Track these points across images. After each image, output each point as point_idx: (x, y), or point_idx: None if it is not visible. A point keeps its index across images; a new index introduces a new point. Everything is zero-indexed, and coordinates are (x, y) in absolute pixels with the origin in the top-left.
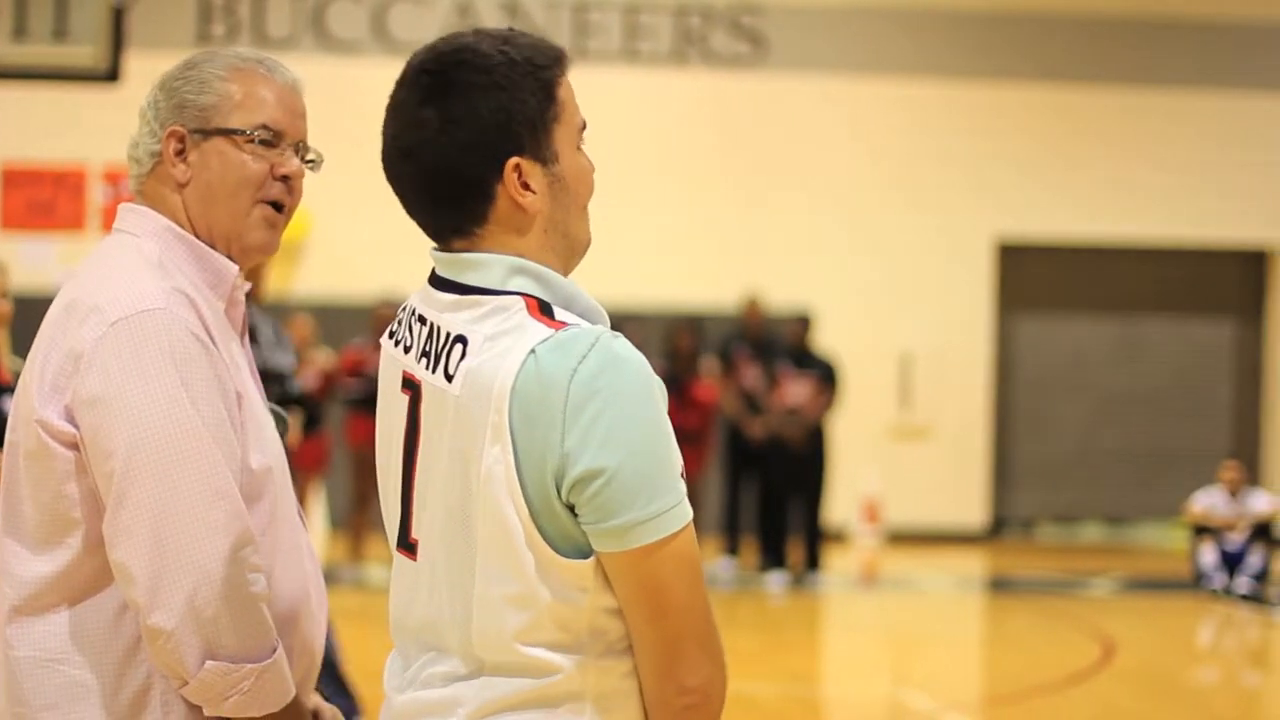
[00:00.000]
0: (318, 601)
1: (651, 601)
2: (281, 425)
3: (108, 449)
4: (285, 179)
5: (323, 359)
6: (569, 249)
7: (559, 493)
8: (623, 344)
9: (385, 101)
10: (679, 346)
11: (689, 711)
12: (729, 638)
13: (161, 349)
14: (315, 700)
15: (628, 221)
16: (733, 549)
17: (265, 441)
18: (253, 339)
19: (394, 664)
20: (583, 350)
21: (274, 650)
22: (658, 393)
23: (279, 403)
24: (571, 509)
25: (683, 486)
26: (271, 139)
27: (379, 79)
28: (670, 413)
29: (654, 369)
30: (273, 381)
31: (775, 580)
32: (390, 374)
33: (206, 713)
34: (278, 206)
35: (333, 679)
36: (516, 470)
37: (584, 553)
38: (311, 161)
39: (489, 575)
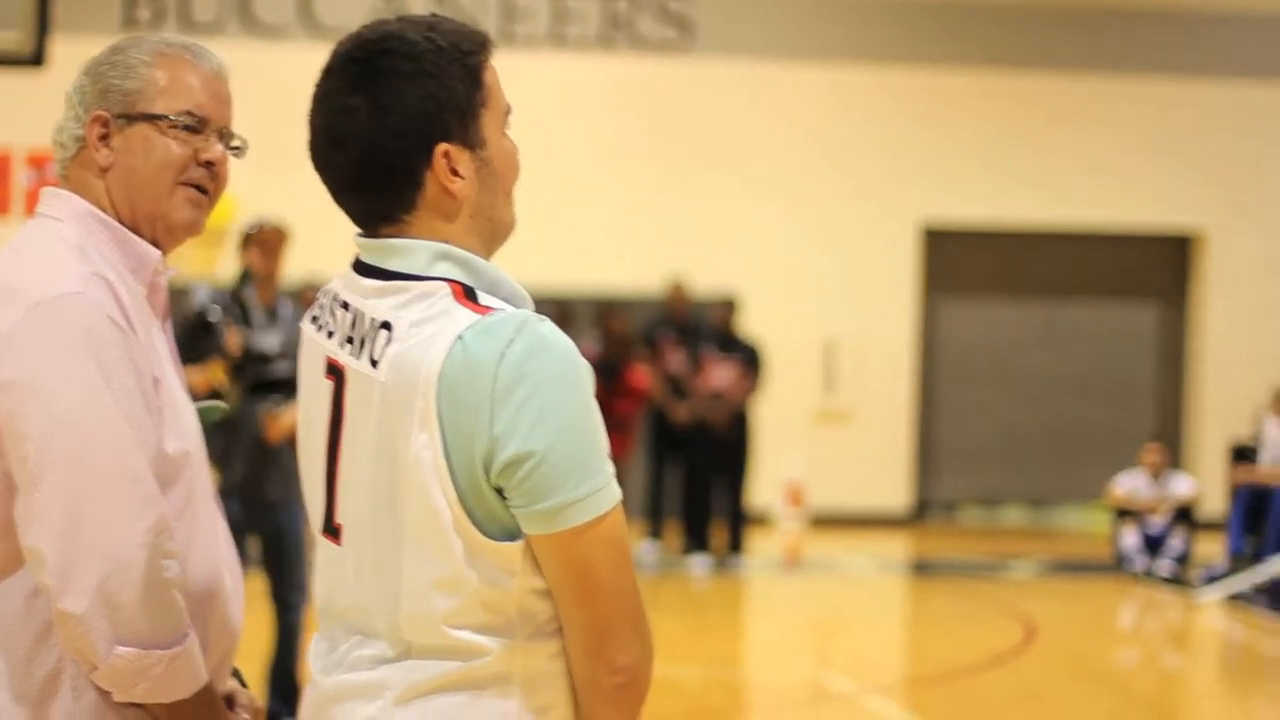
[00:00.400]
0: (234, 588)
1: (581, 583)
2: (215, 413)
3: (23, 432)
4: (209, 165)
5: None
6: (493, 233)
7: (488, 477)
8: (550, 328)
9: (312, 87)
10: (613, 331)
11: (619, 691)
12: (652, 621)
13: (79, 333)
14: (231, 686)
15: (554, 206)
16: (656, 532)
17: (183, 427)
18: (246, 321)
19: (319, 646)
20: (510, 334)
21: (185, 637)
22: (585, 376)
23: (255, 384)
24: (500, 492)
25: (611, 468)
26: (196, 125)
27: (306, 64)
28: (603, 399)
29: (587, 354)
30: (255, 363)
31: (698, 563)
32: (312, 359)
33: (116, 698)
34: (201, 190)
35: (282, 682)
36: (445, 455)
37: (512, 536)
38: (236, 148)
39: (417, 560)
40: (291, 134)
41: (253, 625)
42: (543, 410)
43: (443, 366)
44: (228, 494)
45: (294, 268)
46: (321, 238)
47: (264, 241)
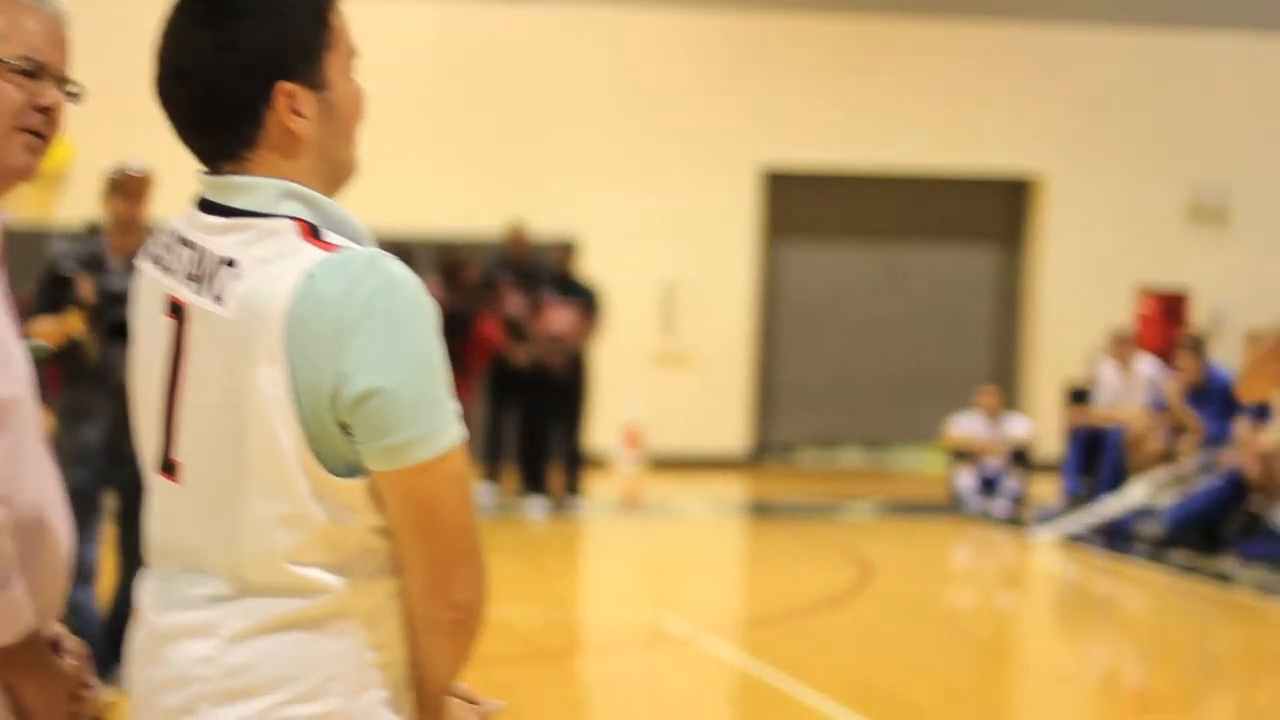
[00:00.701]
0: (63, 534)
1: (424, 519)
2: (41, 353)
3: None
4: (45, 110)
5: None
6: (335, 175)
7: (334, 413)
8: (397, 265)
9: (152, 30)
10: (463, 281)
11: (455, 626)
12: (489, 563)
13: None
14: (57, 630)
15: (392, 150)
16: (493, 475)
17: (13, 371)
18: (101, 268)
19: (152, 585)
20: (358, 271)
21: (9, 581)
22: (432, 314)
23: (113, 328)
24: (346, 428)
25: (456, 406)
26: (33, 70)
27: (146, 6)
28: (452, 348)
29: (437, 302)
30: (111, 304)
31: (535, 506)
32: (151, 298)
33: None
34: (37, 135)
35: (116, 632)
36: (291, 391)
37: (357, 472)
38: (73, 94)
39: (261, 496)
40: (130, 77)
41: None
42: (390, 347)
43: (291, 303)
44: (91, 444)
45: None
46: (157, 180)
47: (125, 186)
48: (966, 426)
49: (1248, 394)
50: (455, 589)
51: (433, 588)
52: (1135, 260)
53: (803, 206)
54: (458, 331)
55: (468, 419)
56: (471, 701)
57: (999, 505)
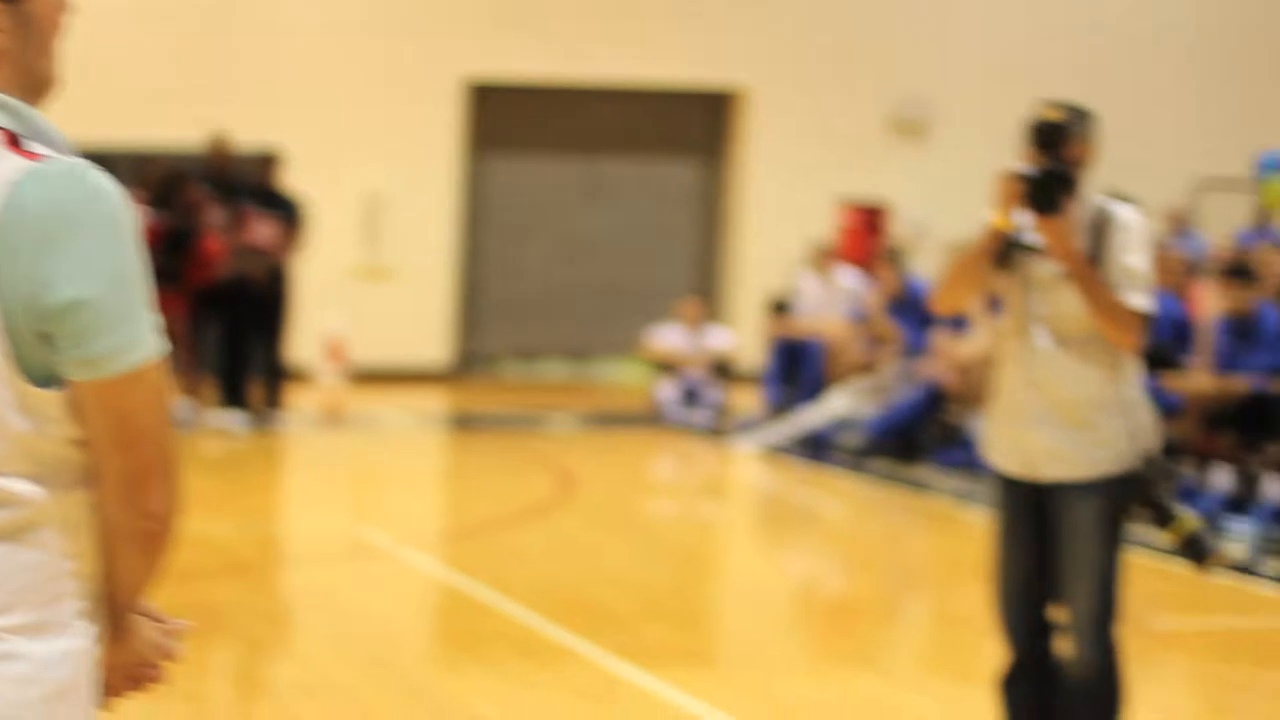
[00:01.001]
0: None
1: (122, 430)
2: None
3: None
4: None
5: None
6: (35, 88)
7: (36, 322)
8: (101, 175)
9: None
10: (186, 199)
11: (150, 537)
12: (187, 478)
13: None
14: None
15: (90, 58)
16: (192, 389)
17: None
18: None
19: None
20: (62, 181)
21: None
22: (133, 224)
23: None
24: (46, 339)
25: (157, 319)
26: None
27: None
28: (175, 266)
29: (160, 222)
30: None
31: (235, 420)
32: None
33: None
34: None
35: None
36: None
37: (56, 382)
38: None
39: None
40: None
41: None
42: (93, 256)
43: None
44: None
45: None
46: None
47: None
48: (667, 338)
49: (941, 305)
50: (149, 500)
51: (127, 498)
52: (836, 173)
53: (507, 119)
54: (176, 248)
55: (174, 334)
56: (158, 621)
57: (700, 416)
